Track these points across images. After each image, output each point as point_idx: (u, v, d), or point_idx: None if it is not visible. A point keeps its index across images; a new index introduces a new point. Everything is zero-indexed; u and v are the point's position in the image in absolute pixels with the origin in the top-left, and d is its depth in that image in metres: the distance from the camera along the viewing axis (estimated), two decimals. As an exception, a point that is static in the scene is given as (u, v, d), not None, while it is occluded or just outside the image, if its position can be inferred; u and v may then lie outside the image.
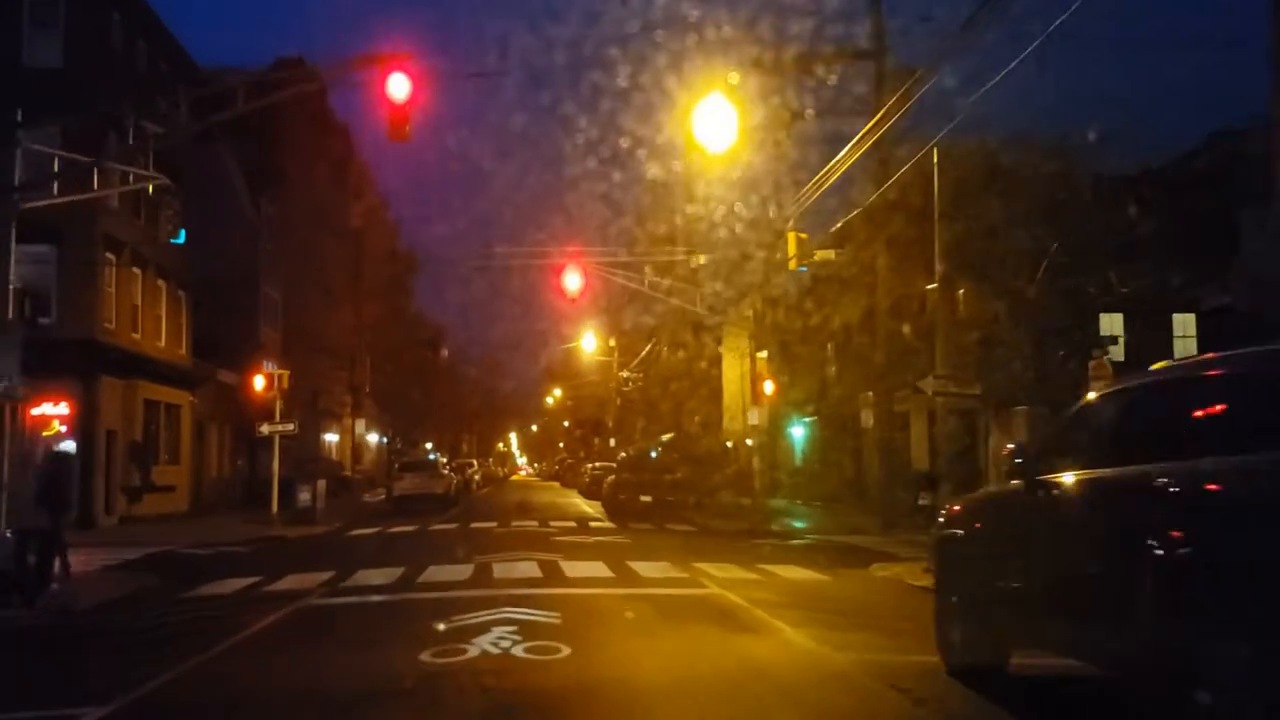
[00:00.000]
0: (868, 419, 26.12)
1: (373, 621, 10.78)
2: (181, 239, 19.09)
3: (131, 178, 18.04)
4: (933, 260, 23.54)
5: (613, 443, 66.96)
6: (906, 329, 26.33)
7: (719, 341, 48.17)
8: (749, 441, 52.60)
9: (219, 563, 19.09)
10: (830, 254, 24.38)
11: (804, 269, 23.90)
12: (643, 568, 15.52)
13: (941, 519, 7.97)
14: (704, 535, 24.59)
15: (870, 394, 26.12)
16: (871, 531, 24.91)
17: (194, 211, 37.35)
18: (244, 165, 44.49)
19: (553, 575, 14.58)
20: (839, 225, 23.12)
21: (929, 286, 15.40)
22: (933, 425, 29.48)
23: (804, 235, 23.90)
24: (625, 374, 56.52)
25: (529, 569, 15.42)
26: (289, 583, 14.71)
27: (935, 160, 15.65)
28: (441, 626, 9.85)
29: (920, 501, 25.99)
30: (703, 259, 27.33)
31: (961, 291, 15.00)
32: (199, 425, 36.85)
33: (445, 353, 72.42)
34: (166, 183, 18.03)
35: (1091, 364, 16.03)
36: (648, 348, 49.26)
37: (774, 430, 48.56)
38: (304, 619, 11.15)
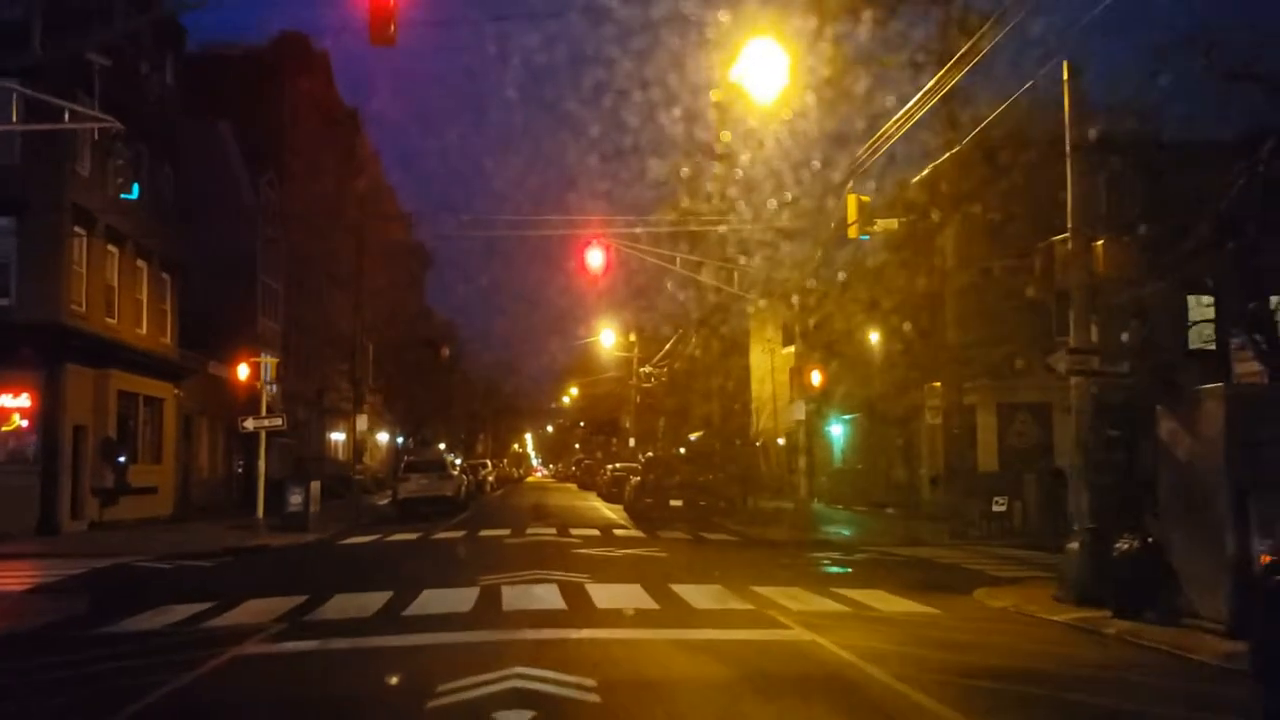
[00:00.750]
0: (934, 414, 22.80)
1: (316, 695, 7.47)
2: (135, 194, 15.91)
3: (68, 115, 14.84)
4: (1022, 227, 20.34)
5: (632, 443, 64.02)
6: (920, 317, 23.13)
7: (748, 333, 45.09)
8: (780, 440, 49.53)
9: (176, 581, 15.95)
10: (892, 223, 21.14)
11: (865, 237, 20.58)
12: (691, 594, 12.25)
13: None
14: (747, 547, 21.32)
15: (937, 385, 22.83)
16: (937, 542, 21.74)
17: (187, 191, 34.45)
18: (244, 146, 41.52)
19: (579, 606, 11.32)
20: (923, 174, 19.88)
21: (1058, 238, 12.07)
22: (1003, 420, 26.24)
23: (865, 198, 20.63)
24: (647, 369, 53.30)
25: (548, 596, 12.17)
26: (243, 613, 11.54)
27: (1066, 78, 12.30)
28: (416, 707, 6.61)
29: (995, 508, 22.75)
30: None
31: (1101, 243, 11.64)
32: (186, 421, 33.74)
33: (446, 352, 69.85)
34: (115, 126, 14.84)
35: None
36: (672, 340, 46.00)
37: (809, 428, 45.22)
38: (225, 683, 7.87)
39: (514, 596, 12.09)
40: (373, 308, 59.68)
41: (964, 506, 22.84)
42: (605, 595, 12.11)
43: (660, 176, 29.28)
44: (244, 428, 25.20)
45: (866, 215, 20.50)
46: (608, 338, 61.13)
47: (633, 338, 60.71)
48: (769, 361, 38.71)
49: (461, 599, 11.97)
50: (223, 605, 12.10)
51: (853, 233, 20.60)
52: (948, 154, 20.79)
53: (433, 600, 11.99)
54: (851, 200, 20.54)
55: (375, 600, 12.06)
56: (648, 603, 11.55)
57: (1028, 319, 26.19)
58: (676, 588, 12.73)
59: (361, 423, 32.25)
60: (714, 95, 27.66)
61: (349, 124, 58.69)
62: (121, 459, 27.09)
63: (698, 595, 12.15)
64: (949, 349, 22.79)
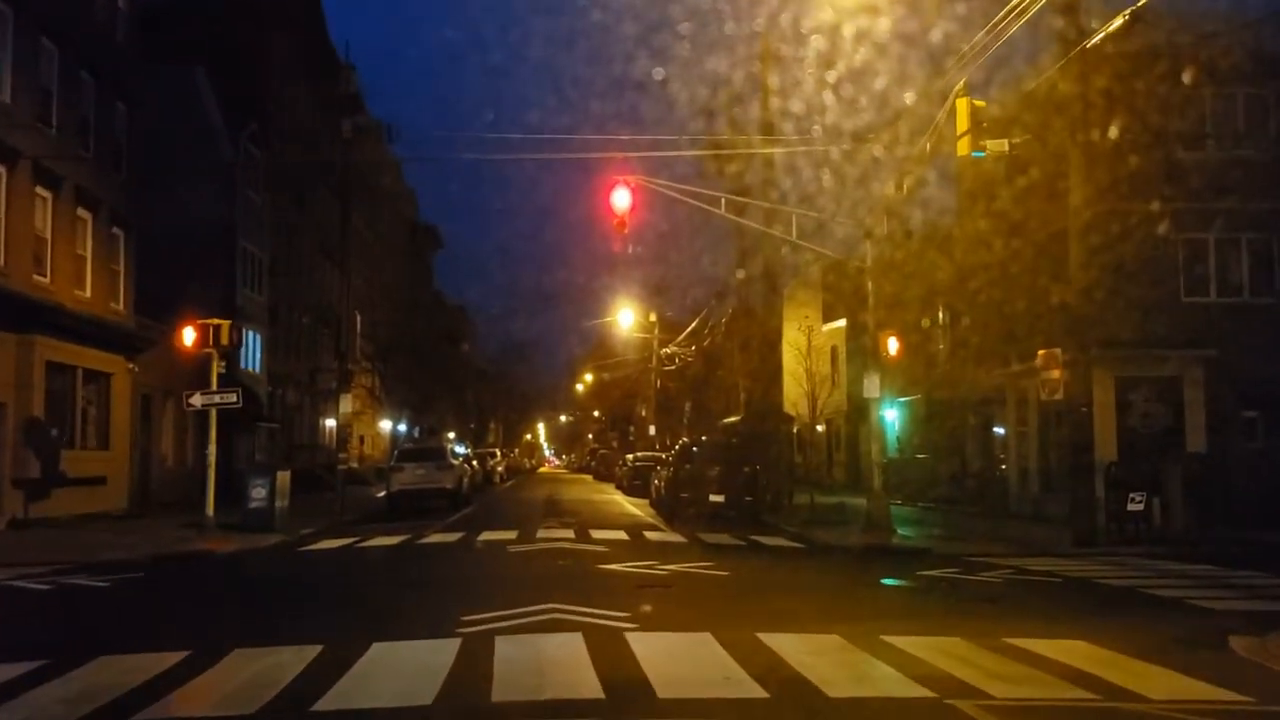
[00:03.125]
0: (1051, 387, 17.96)
1: None
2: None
3: None
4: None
5: (652, 430, 59.47)
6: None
7: (780, 314, 40.25)
8: (819, 428, 44.68)
9: (40, 611, 11.38)
10: (1003, 144, 16.21)
11: (980, 154, 15.76)
12: (803, 656, 7.49)
13: None
14: (823, 559, 16.55)
15: (1056, 350, 17.99)
16: (1060, 550, 16.99)
17: (155, 142, 29.72)
18: (223, 96, 36.86)
19: (625, 692, 6.54)
20: (1051, 72, 15.18)
21: None
22: (1121, 397, 21.39)
23: (980, 103, 15.81)
24: (672, 349, 48.64)
25: (569, 661, 7.43)
26: (66, 689, 6.93)
27: None
28: None
29: (1131, 506, 17.92)
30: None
31: None
32: (145, 401, 29.12)
33: (466, 347, 65.84)
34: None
35: None
36: (702, 314, 41.26)
37: (854, 414, 40.44)
38: None
39: (513, 662, 7.34)
40: (373, 285, 55.20)
41: (1090, 505, 18.02)
42: (663, 661, 7.33)
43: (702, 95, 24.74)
44: (189, 405, 20.65)
45: (981, 125, 15.70)
46: (626, 318, 56.51)
47: (653, 317, 56.09)
48: (804, 342, 33.86)
49: (426, 667, 7.23)
50: (54, 666, 7.49)
51: (963, 147, 15.82)
52: (1080, 47, 15.90)
53: (379, 668, 7.28)
54: (962, 106, 15.75)
55: (288, 665, 7.36)
56: (741, 682, 6.75)
57: (1159, 271, 21.37)
58: (771, 640, 7.98)
59: (345, 404, 27.61)
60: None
61: (347, 81, 54.10)
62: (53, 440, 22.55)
63: (815, 660, 7.37)
64: (1073, 306, 17.97)
